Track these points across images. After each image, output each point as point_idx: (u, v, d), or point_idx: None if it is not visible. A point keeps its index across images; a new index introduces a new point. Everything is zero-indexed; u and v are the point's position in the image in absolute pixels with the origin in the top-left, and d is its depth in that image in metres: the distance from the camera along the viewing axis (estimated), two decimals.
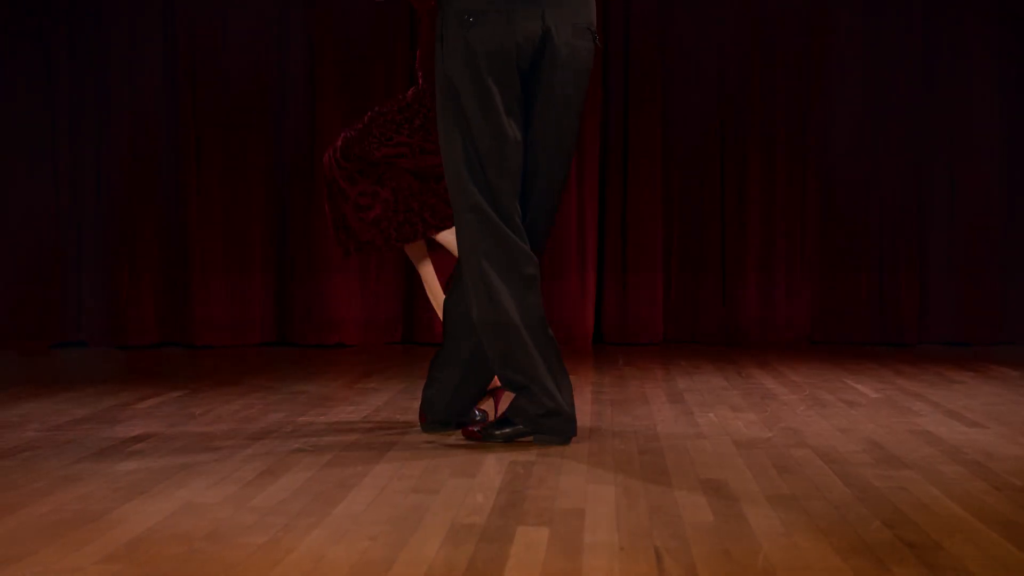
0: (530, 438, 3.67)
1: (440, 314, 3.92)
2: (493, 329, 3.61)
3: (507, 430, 3.66)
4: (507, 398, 3.87)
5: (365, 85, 6.78)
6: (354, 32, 6.76)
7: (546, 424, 3.63)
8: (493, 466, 3.32)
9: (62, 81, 6.69)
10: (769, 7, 6.91)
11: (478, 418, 3.91)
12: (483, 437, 3.68)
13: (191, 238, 6.72)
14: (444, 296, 3.95)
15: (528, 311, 3.61)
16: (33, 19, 6.66)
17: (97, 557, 2.41)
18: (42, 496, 2.94)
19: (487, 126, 3.57)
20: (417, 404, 4.09)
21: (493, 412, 3.93)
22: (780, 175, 6.92)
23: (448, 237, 4.08)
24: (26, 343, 6.57)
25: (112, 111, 6.71)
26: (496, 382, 3.86)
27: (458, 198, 3.61)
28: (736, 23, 6.90)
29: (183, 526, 2.65)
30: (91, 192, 6.74)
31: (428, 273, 4.16)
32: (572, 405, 3.68)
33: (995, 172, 6.88)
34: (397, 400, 4.61)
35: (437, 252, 4.20)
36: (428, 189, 4.08)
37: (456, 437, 3.77)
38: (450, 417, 3.84)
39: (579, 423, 3.85)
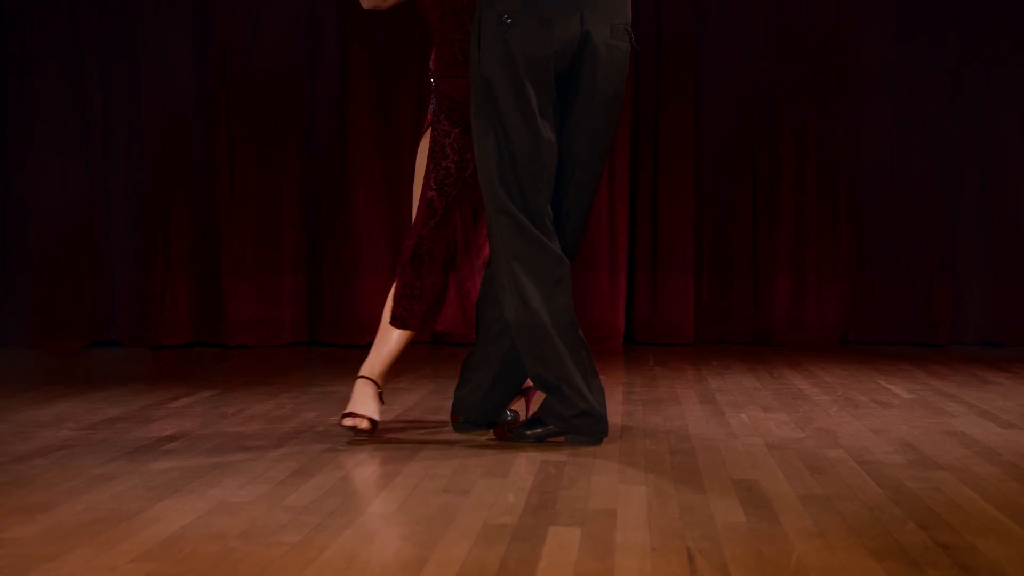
0: (561, 438, 3.67)
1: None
2: (525, 330, 3.61)
3: (538, 430, 3.67)
4: (539, 398, 3.87)
5: (396, 84, 6.79)
6: (386, 31, 6.77)
7: (577, 424, 3.63)
8: (524, 466, 3.32)
9: (93, 80, 6.72)
10: (800, 8, 6.87)
11: (510, 418, 3.91)
12: (514, 437, 3.69)
13: (223, 238, 6.75)
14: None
15: (558, 312, 3.61)
16: (64, 15, 6.69)
17: (131, 556, 2.43)
18: (77, 495, 2.96)
19: (523, 128, 3.57)
20: (448, 404, 4.10)
21: (525, 412, 3.93)
22: (811, 175, 6.89)
23: None
24: (60, 343, 6.62)
25: (143, 113, 6.73)
26: (528, 383, 3.86)
27: (490, 199, 3.62)
28: (767, 25, 6.87)
29: (217, 525, 2.67)
30: (123, 192, 6.78)
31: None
32: (603, 405, 3.68)
33: None
34: (428, 400, 4.62)
35: None
36: None
37: (488, 437, 3.78)
38: (482, 417, 3.84)
39: (610, 423, 3.84)
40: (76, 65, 6.72)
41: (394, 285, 3.84)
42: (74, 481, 3.12)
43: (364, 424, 3.72)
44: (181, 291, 6.75)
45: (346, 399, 4.61)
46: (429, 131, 3.87)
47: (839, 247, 6.89)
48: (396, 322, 3.82)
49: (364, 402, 3.75)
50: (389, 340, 3.84)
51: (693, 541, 2.53)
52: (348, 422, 3.72)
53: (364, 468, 3.30)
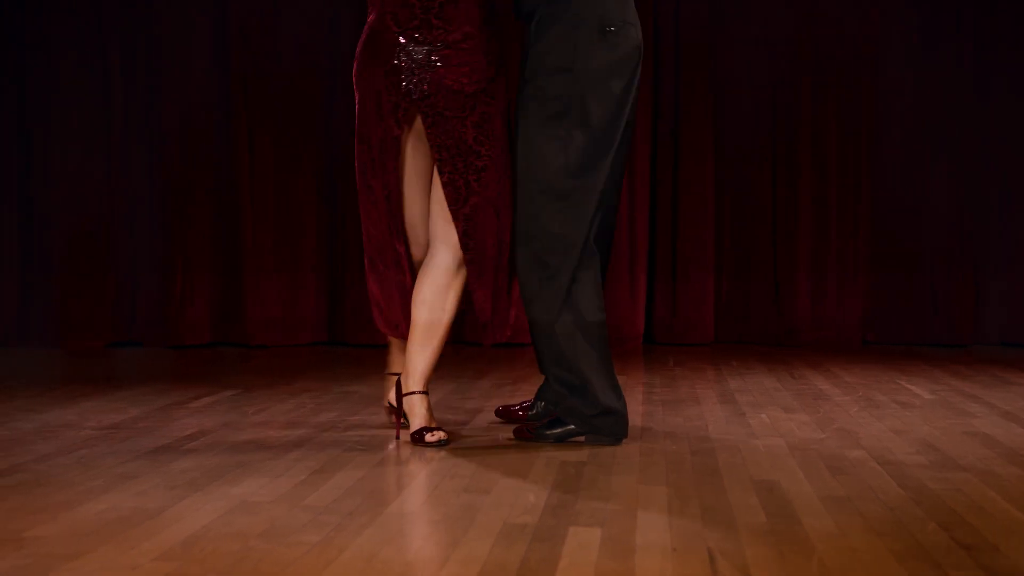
0: (582, 438, 3.67)
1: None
2: (551, 329, 3.61)
3: (559, 430, 3.67)
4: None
5: None
6: None
7: (599, 424, 3.63)
8: (544, 466, 3.32)
9: (114, 78, 6.75)
10: (821, 8, 6.85)
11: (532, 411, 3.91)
12: (535, 438, 3.68)
13: (244, 238, 6.77)
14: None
15: (592, 312, 3.64)
16: (86, 8, 6.72)
17: (153, 555, 2.43)
18: (99, 494, 2.98)
19: (616, 134, 3.60)
20: (469, 404, 4.10)
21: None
22: (832, 175, 6.87)
23: None
24: (81, 343, 6.65)
25: (164, 111, 6.75)
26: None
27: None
28: (786, 24, 6.85)
29: (238, 524, 2.67)
30: (144, 192, 6.80)
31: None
32: (624, 405, 3.68)
33: None
34: (448, 400, 4.62)
35: None
36: None
37: (508, 436, 3.78)
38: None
39: (630, 423, 3.84)
40: (98, 60, 6.73)
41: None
42: (96, 480, 3.13)
43: (443, 435, 3.66)
44: (202, 291, 6.77)
45: (367, 398, 4.63)
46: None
47: (860, 247, 6.87)
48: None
49: (427, 414, 3.70)
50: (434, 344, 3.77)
51: (714, 542, 2.53)
52: (431, 438, 3.62)
53: (384, 468, 3.31)
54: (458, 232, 3.68)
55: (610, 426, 3.63)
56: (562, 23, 3.60)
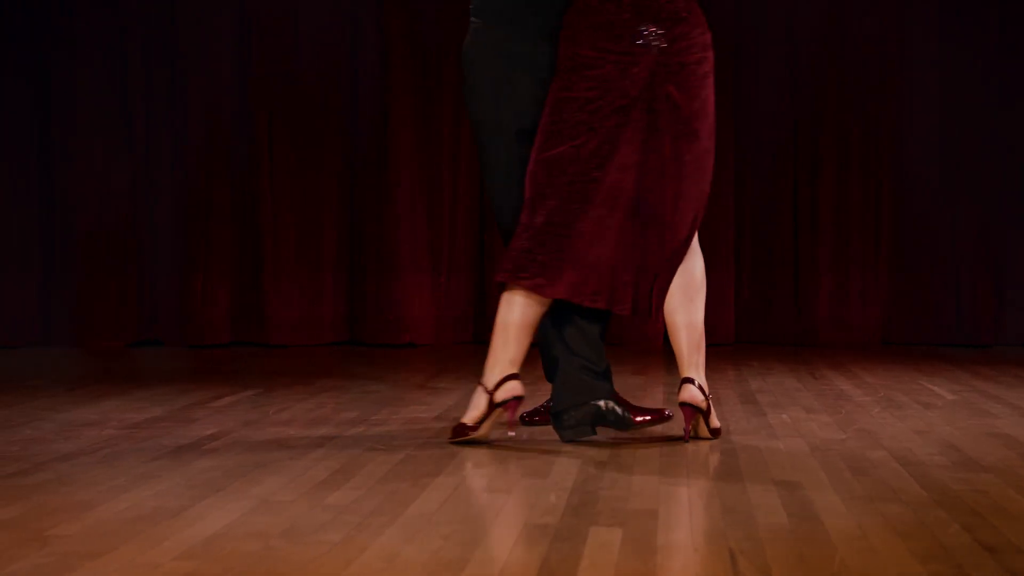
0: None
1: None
2: None
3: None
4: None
5: (438, 79, 6.79)
6: (427, 25, 6.77)
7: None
8: (565, 466, 3.32)
9: (138, 77, 6.76)
10: (842, 7, 6.83)
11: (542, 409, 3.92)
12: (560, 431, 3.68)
13: (264, 238, 6.78)
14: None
15: None
16: (107, 6, 6.75)
17: (174, 554, 2.44)
18: (121, 493, 2.99)
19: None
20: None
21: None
22: (854, 174, 6.84)
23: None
24: (102, 342, 6.67)
25: (185, 110, 6.77)
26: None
27: None
28: (810, 23, 6.83)
29: (258, 524, 2.68)
30: (166, 190, 6.82)
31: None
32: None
33: None
34: (469, 399, 4.61)
35: None
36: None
37: (529, 435, 3.77)
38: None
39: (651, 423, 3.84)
40: (119, 59, 6.75)
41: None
42: (118, 479, 3.14)
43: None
44: (222, 290, 6.79)
45: (387, 398, 4.63)
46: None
47: (881, 247, 6.84)
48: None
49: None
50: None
51: (735, 542, 2.52)
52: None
53: (405, 467, 3.31)
54: None
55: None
56: None
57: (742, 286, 6.89)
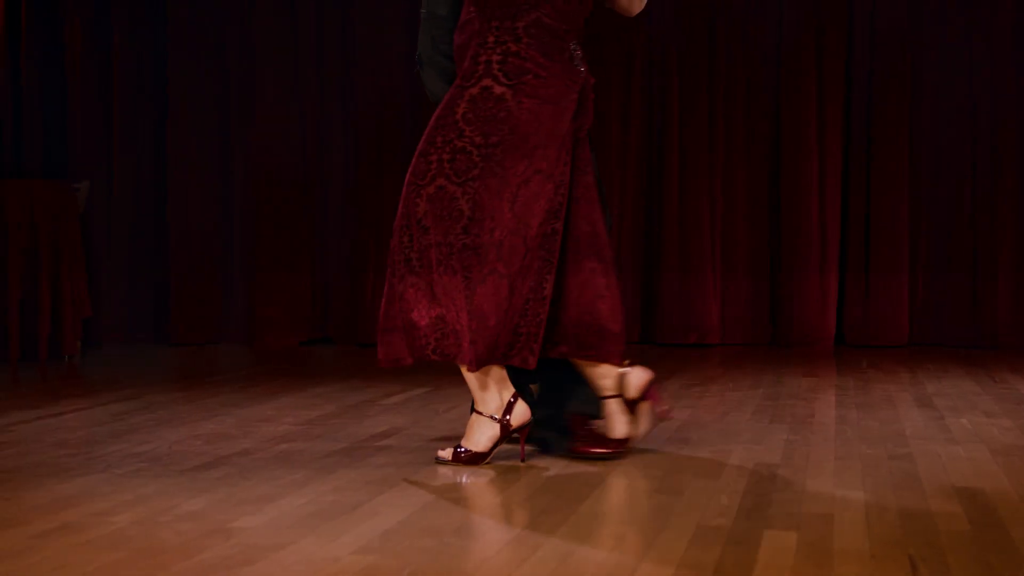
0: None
1: None
2: None
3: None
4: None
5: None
6: None
7: None
8: (736, 469, 3.28)
9: (311, 61, 6.93)
10: None
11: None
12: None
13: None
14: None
15: None
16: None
17: (352, 548, 2.49)
18: (299, 487, 3.06)
19: None
20: (663, 407, 4.07)
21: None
22: None
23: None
24: (277, 340, 6.83)
25: (359, 97, 6.90)
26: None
27: None
28: (987, 15, 6.61)
29: (432, 520, 2.72)
30: (337, 193, 6.95)
31: None
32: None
33: None
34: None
35: None
36: None
37: (699, 436, 3.75)
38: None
39: (823, 425, 3.76)
40: (291, 48, 6.92)
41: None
42: (295, 474, 3.22)
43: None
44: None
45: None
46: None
47: None
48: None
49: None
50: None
51: (915, 549, 2.46)
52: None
53: (575, 467, 3.31)
54: None
55: None
56: None
57: (916, 286, 6.70)
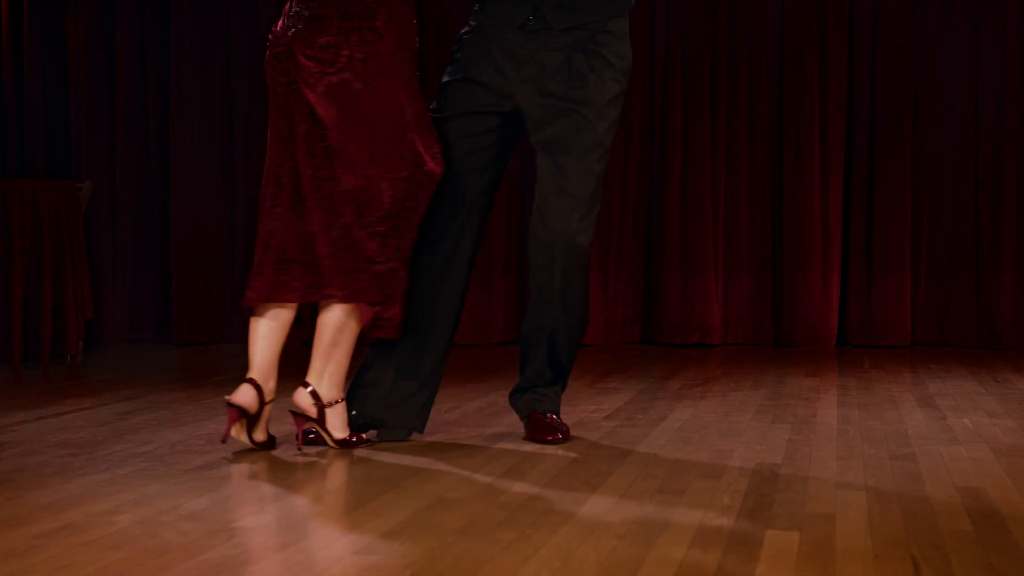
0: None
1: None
2: (581, 336, 3.76)
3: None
4: None
5: None
6: None
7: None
8: (738, 468, 3.28)
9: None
10: None
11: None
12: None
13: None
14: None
15: None
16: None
17: (354, 548, 2.49)
18: (302, 486, 3.07)
19: None
20: (659, 404, 4.09)
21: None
22: None
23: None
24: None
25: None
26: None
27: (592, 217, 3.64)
28: (992, 16, 6.61)
29: (435, 520, 2.72)
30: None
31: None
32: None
33: None
34: (639, 400, 4.61)
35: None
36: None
37: (700, 436, 3.75)
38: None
39: (824, 425, 3.75)
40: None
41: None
42: (298, 474, 3.23)
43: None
44: None
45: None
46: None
47: None
48: None
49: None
50: None
51: (918, 549, 2.46)
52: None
53: (578, 467, 3.31)
54: None
55: None
56: None
57: (918, 285, 6.71)
